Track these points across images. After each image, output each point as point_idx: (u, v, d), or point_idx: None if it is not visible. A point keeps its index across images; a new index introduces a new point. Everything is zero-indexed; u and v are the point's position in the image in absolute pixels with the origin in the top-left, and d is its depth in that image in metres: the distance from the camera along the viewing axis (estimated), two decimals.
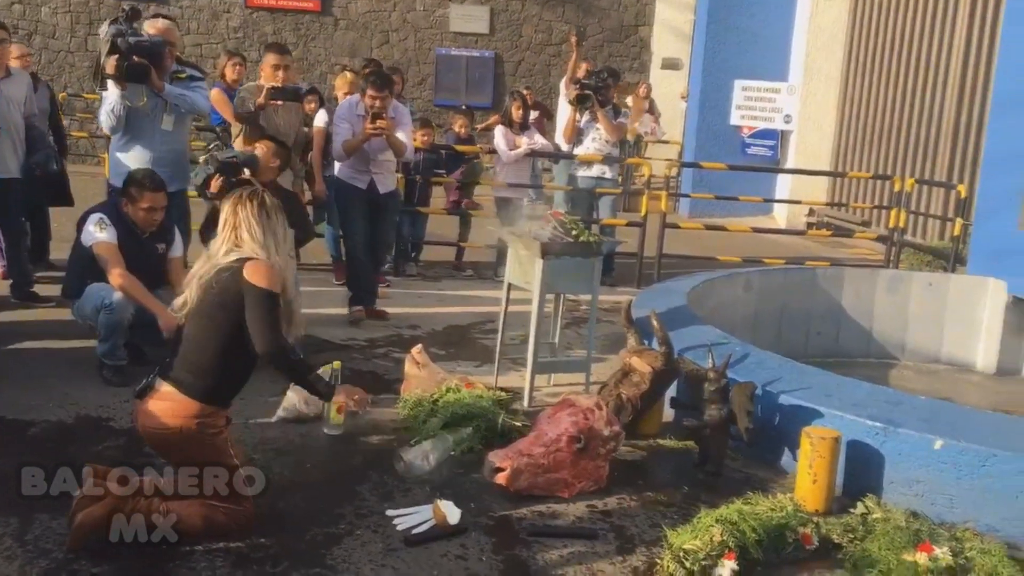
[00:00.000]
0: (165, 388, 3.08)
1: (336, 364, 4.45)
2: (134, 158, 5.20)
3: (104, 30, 5.03)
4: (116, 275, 4.48)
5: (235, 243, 3.19)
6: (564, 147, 8.00)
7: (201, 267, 3.20)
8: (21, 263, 5.99)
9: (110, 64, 4.93)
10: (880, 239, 9.63)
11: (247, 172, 4.94)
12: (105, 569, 2.89)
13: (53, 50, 14.45)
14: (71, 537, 2.97)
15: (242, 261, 3.14)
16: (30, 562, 2.90)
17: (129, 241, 4.62)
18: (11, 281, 5.96)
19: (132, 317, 4.54)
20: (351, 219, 6.12)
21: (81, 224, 4.71)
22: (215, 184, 4.81)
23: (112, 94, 5.06)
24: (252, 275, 3.10)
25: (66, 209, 6.46)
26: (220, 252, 3.19)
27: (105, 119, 5.16)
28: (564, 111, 8.27)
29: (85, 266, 4.66)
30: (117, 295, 4.48)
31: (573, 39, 8.13)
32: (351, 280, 6.20)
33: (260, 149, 5.10)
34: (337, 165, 6.16)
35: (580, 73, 8.19)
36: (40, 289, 6.05)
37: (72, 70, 14.47)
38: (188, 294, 3.16)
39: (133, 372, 4.63)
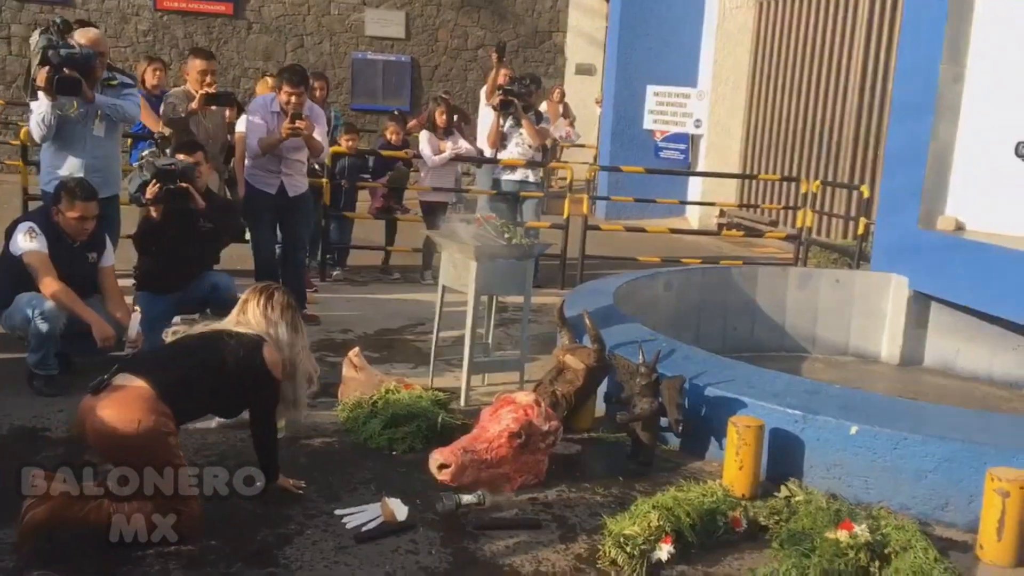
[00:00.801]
0: (133, 383, 3.11)
1: None
2: (66, 165, 5.15)
3: (35, 40, 4.99)
4: (48, 284, 4.44)
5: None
6: (488, 152, 8.13)
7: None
8: None
9: (41, 76, 4.89)
10: (788, 238, 10.05)
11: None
12: (55, 571, 2.89)
13: None
14: (18, 539, 2.97)
15: (259, 341, 3.37)
16: None
17: (60, 250, 4.57)
18: None
19: (64, 327, 4.49)
20: (258, 227, 6.10)
21: (9, 234, 4.64)
22: (151, 190, 4.79)
23: (43, 104, 5.01)
24: (273, 365, 3.37)
25: None
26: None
27: (36, 129, 5.09)
28: (485, 118, 8.40)
29: (14, 276, 4.58)
30: (49, 304, 4.43)
31: (494, 56, 8.28)
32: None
33: (198, 158, 5.11)
34: (247, 164, 6.08)
35: (501, 79, 8.33)
36: None
37: None
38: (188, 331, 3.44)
39: (64, 381, 4.60)
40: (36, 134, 5.13)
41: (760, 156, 12.92)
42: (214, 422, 4.24)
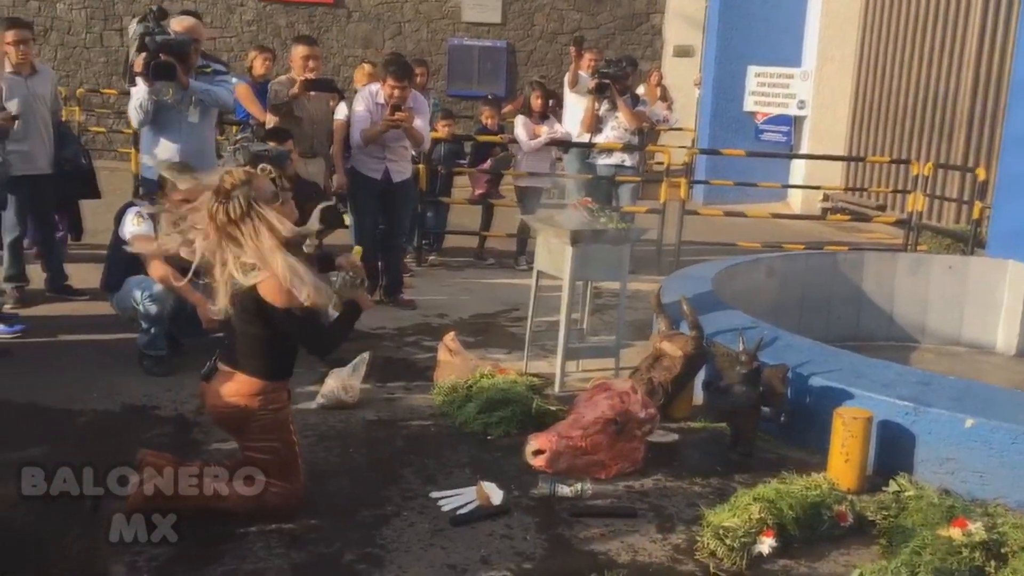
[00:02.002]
0: (228, 370, 3.17)
1: (365, 354, 4.56)
2: (163, 151, 5.29)
3: (132, 28, 5.14)
4: (156, 267, 4.57)
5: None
6: (582, 137, 8.05)
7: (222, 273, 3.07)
8: (55, 258, 6.10)
9: (139, 62, 5.04)
10: (898, 223, 9.67)
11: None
12: (164, 550, 2.98)
13: (69, 46, 14.53)
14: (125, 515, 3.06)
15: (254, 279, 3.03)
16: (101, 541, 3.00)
17: None
18: (47, 275, 6.06)
19: (172, 308, 4.64)
20: (362, 211, 6.22)
21: (119, 218, 4.81)
22: None
23: (140, 90, 5.16)
24: (270, 296, 3.04)
25: (93, 202, 6.56)
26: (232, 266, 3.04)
27: (134, 114, 5.26)
28: (569, 107, 8.37)
29: (124, 260, 4.75)
30: (158, 287, 4.58)
31: (573, 49, 8.23)
32: None
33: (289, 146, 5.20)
34: (354, 154, 6.24)
35: (587, 64, 8.26)
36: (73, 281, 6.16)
37: (88, 66, 14.55)
38: (222, 302, 3.10)
39: (172, 362, 4.75)
40: (134, 119, 5.30)
41: (868, 138, 12.46)
42: (315, 403, 4.33)
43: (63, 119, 6.28)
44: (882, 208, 11.50)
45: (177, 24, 5.27)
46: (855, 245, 9.47)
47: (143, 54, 5.02)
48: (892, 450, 3.76)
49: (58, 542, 3.00)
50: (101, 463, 3.46)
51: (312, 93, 5.81)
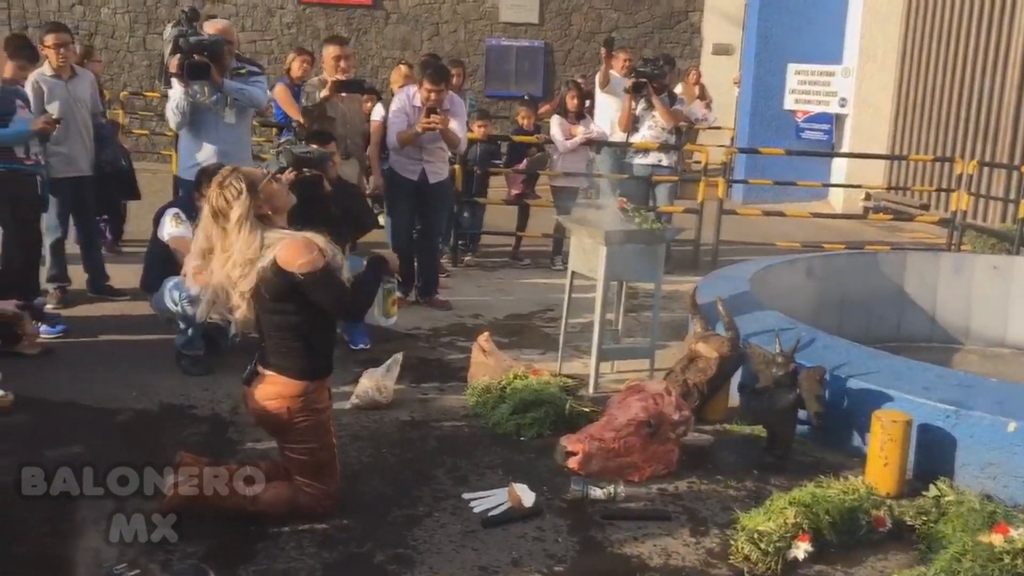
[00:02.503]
0: (267, 373, 3.19)
1: (399, 355, 4.57)
2: (200, 152, 5.36)
3: (167, 32, 5.23)
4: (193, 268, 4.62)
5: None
6: (617, 136, 8.01)
7: (231, 271, 3.07)
8: (96, 259, 6.19)
9: (173, 63, 5.12)
10: (941, 222, 9.49)
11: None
12: (199, 548, 3.02)
13: (113, 50, 14.76)
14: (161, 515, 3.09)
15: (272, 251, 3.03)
16: (131, 542, 3.01)
17: None
18: (88, 276, 6.16)
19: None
20: (397, 211, 6.26)
21: (158, 219, 4.87)
22: (286, 177, 4.93)
23: (177, 91, 5.23)
24: (289, 260, 3.03)
25: (133, 203, 6.67)
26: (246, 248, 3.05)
27: (171, 115, 5.33)
28: (601, 107, 8.35)
29: (162, 260, 4.81)
30: (194, 288, 4.61)
31: (604, 51, 8.20)
32: None
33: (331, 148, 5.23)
34: (391, 155, 6.28)
35: (621, 65, 8.22)
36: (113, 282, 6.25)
37: (132, 69, 14.77)
38: (242, 309, 3.10)
39: (210, 362, 4.80)
40: (171, 121, 5.38)
41: (910, 136, 12.24)
42: (348, 403, 4.35)
43: (103, 122, 6.35)
44: (925, 207, 11.29)
45: (211, 27, 5.35)
46: (897, 245, 9.32)
47: (178, 55, 5.09)
48: (932, 454, 3.69)
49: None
50: (138, 461, 3.54)
51: (344, 94, 5.84)
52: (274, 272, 3.04)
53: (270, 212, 3.13)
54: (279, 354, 3.17)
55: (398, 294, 3.35)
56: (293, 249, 3.05)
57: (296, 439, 3.19)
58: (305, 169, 4.79)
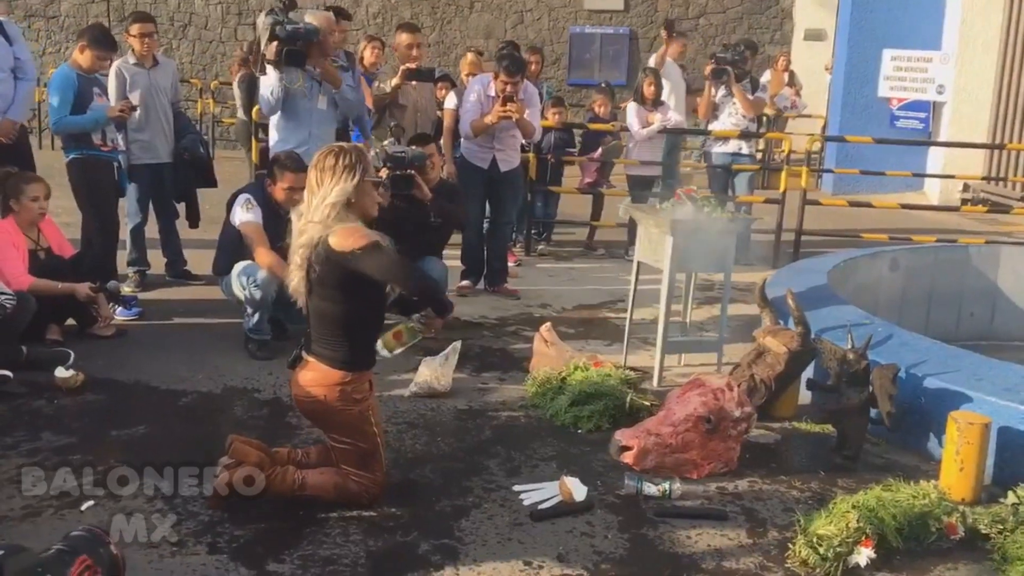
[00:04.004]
0: (310, 360, 3.19)
1: (457, 343, 4.54)
2: (292, 137, 5.41)
3: (262, 21, 5.30)
4: (261, 253, 4.68)
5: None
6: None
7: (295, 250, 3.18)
8: (175, 244, 6.34)
9: (270, 50, 5.19)
10: None
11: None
12: (247, 532, 3.03)
13: (205, 40, 15.18)
14: (211, 500, 3.15)
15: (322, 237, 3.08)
16: (180, 522, 3.07)
17: (274, 220, 4.80)
18: (166, 260, 6.31)
19: (276, 293, 4.73)
20: (469, 200, 6.21)
21: (230, 205, 4.94)
22: (381, 174, 4.97)
23: (271, 78, 5.29)
24: (343, 243, 3.04)
25: (210, 191, 6.78)
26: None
27: (264, 102, 5.41)
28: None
29: (233, 245, 4.88)
30: (262, 273, 4.67)
31: (664, 33, 8.02)
32: (462, 256, 6.30)
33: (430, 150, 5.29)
34: (462, 143, 6.26)
35: (673, 53, 8.15)
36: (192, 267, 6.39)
37: (224, 59, 15.14)
38: (296, 283, 3.19)
39: (276, 346, 4.85)
40: (265, 107, 5.45)
41: (1012, 125, 11.62)
42: (407, 391, 4.34)
43: (183, 110, 6.50)
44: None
45: (311, 17, 5.40)
46: (992, 238, 8.86)
47: (275, 43, 5.16)
48: (1013, 459, 3.47)
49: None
50: (197, 443, 3.61)
51: (414, 82, 5.84)
52: (327, 254, 3.05)
53: (353, 202, 3.13)
54: (321, 342, 3.17)
55: (413, 338, 3.32)
56: (347, 233, 3.07)
57: (336, 428, 3.19)
58: (398, 169, 4.83)
